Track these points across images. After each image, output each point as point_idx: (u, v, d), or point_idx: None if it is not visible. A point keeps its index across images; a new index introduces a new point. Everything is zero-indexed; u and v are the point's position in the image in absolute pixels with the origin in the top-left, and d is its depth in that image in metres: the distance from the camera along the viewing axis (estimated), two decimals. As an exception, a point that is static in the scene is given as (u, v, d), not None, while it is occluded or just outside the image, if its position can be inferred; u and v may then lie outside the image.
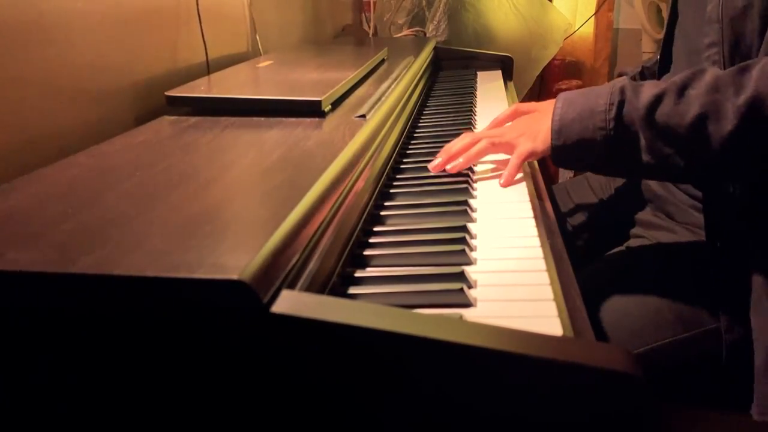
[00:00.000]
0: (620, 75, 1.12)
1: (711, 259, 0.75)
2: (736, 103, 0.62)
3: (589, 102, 0.70)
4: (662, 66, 0.97)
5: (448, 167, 0.77)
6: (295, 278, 0.42)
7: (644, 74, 1.08)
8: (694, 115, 0.64)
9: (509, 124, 0.82)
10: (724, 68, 0.71)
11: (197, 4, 0.98)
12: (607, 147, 0.68)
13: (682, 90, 0.66)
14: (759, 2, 0.69)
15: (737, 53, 0.71)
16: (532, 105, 0.85)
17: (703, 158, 0.65)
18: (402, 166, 0.83)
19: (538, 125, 0.75)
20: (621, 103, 0.68)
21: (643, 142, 0.67)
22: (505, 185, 0.74)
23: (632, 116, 0.67)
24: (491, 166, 0.81)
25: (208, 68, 1.04)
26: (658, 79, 0.98)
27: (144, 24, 0.91)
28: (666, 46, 0.96)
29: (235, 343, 0.37)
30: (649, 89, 0.67)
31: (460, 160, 0.77)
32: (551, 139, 0.71)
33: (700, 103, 0.64)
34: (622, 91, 0.68)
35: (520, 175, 0.76)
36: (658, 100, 0.66)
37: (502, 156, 0.80)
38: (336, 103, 0.81)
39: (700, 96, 0.64)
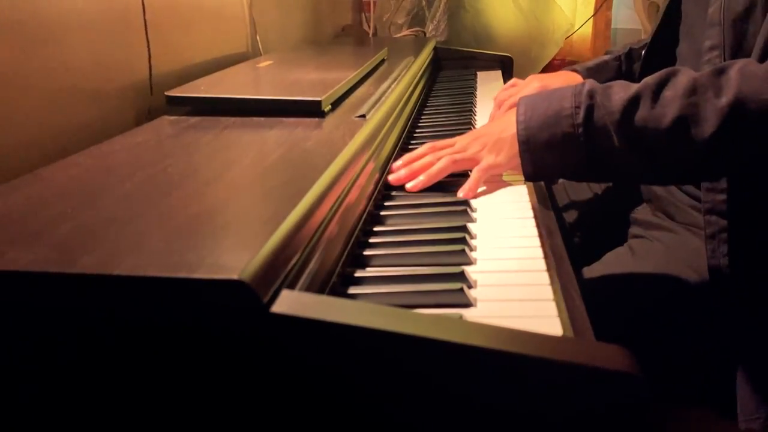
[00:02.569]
0: (606, 53, 1.12)
1: (713, 263, 0.74)
2: (717, 105, 0.61)
3: (552, 105, 0.67)
4: (649, 63, 0.96)
5: (408, 186, 0.73)
6: (295, 278, 0.42)
7: (631, 55, 1.07)
8: (672, 118, 0.63)
9: (472, 134, 0.76)
10: None
11: (143, 7, 0.87)
12: (579, 154, 0.66)
13: (657, 92, 0.64)
14: (761, 5, 0.69)
15: (739, 56, 0.70)
16: (449, 141, 0.80)
17: (683, 161, 0.65)
18: (402, 166, 0.83)
19: (500, 136, 0.71)
20: (590, 107, 0.65)
21: (618, 146, 0.65)
22: (464, 197, 0.70)
23: (604, 120, 0.65)
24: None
25: (150, 83, 0.92)
26: (643, 75, 0.97)
27: (144, 24, 0.90)
28: (656, 44, 0.96)
29: (235, 342, 0.37)
30: (620, 91, 0.66)
31: (422, 178, 0.73)
32: (519, 151, 0.68)
33: (679, 105, 0.63)
34: (591, 94, 0.66)
35: (482, 188, 0.73)
36: (632, 103, 0.64)
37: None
38: (336, 103, 0.81)
39: (677, 98, 0.63)
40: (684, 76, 0.65)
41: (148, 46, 0.90)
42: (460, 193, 0.71)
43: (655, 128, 0.63)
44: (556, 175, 0.71)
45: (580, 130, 0.65)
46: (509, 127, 0.70)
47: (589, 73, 1.06)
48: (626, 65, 1.07)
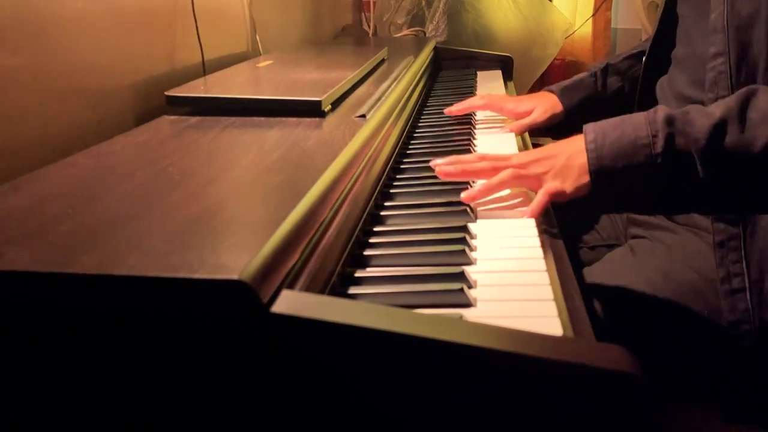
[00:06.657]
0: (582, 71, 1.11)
1: (722, 270, 0.74)
2: None
3: (626, 134, 0.63)
4: (651, 67, 0.96)
5: (463, 196, 0.67)
6: (295, 278, 0.42)
7: (607, 70, 1.06)
8: (764, 141, 0.60)
9: (534, 154, 0.70)
10: (731, 78, 0.70)
11: (193, 5, 0.98)
12: (658, 185, 0.62)
13: (742, 115, 0.61)
14: (766, 10, 0.68)
15: (744, 63, 0.70)
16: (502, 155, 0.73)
17: None
18: (402, 166, 0.83)
19: (567, 162, 0.66)
20: (671, 136, 0.62)
21: (702, 176, 0.61)
22: (529, 217, 0.65)
23: (689, 149, 0.61)
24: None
25: (204, 70, 1.03)
26: (646, 80, 0.96)
27: (144, 24, 0.91)
28: (656, 47, 0.95)
29: (235, 343, 0.37)
30: (701, 117, 0.62)
31: (479, 188, 0.68)
32: (591, 182, 0.64)
33: None
34: (669, 121, 0.63)
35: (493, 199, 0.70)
36: (718, 128, 0.61)
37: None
38: (336, 103, 0.81)
39: (766, 120, 0.60)
40: (764, 95, 0.62)
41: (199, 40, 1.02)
42: (526, 215, 0.66)
43: (746, 154, 0.60)
44: (630, 207, 0.68)
45: (659, 160, 0.61)
46: (577, 154, 0.66)
47: (563, 92, 1.04)
48: (601, 80, 1.05)
